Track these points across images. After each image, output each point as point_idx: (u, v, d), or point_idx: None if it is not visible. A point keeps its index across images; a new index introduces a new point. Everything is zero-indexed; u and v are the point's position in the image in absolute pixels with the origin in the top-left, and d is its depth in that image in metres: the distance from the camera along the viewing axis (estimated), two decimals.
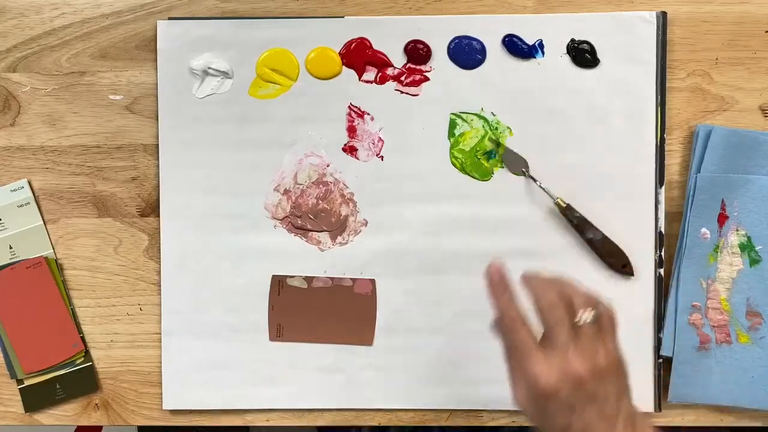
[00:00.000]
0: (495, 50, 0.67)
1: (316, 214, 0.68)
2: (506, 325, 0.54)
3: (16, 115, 0.69)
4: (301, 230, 0.68)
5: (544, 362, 0.52)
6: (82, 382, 0.70)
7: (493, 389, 0.67)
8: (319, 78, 0.68)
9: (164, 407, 0.69)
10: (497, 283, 0.55)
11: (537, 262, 0.67)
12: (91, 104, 0.69)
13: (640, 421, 0.53)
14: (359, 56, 0.67)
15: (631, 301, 0.67)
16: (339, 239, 0.68)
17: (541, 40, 0.67)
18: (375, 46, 0.67)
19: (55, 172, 0.70)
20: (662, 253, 0.67)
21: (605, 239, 0.66)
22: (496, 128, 0.67)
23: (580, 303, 0.53)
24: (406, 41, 0.67)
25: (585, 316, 0.53)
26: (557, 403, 0.52)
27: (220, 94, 0.68)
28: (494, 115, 0.67)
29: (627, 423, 0.52)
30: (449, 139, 0.68)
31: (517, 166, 0.67)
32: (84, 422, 0.70)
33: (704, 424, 0.68)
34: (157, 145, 0.68)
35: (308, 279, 0.68)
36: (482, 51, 0.67)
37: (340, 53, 0.68)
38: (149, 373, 0.70)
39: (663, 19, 0.66)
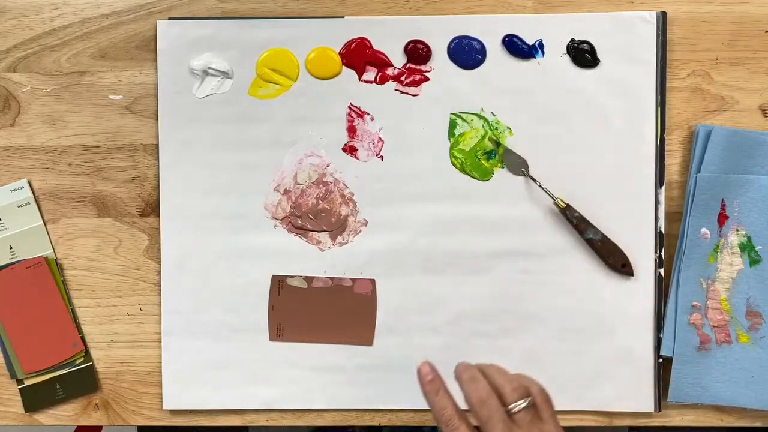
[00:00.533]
0: (495, 50, 0.67)
1: (316, 214, 0.68)
2: (445, 424, 0.55)
3: (16, 115, 0.69)
4: (301, 230, 0.68)
5: None
6: (82, 382, 0.70)
7: None
8: (319, 78, 0.68)
9: (164, 407, 0.69)
10: (430, 383, 0.56)
11: (537, 262, 0.67)
12: (91, 104, 0.69)
13: None
14: (359, 56, 0.67)
15: (631, 301, 0.67)
16: (339, 239, 0.68)
17: (541, 40, 0.67)
18: (375, 46, 0.67)
19: (55, 172, 0.70)
20: (662, 253, 0.67)
21: (605, 239, 0.66)
22: (496, 128, 0.67)
23: (510, 391, 0.53)
24: (406, 41, 0.67)
25: (518, 404, 0.53)
26: None
27: (220, 94, 0.68)
28: (494, 115, 0.67)
29: None
30: (449, 139, 0.68)
31: (517, 166, 0.67)
32: (84, 422, 0.70)
33: (704, 424, 0.68)
34: (157, 145, 0.68)
35: (308, 279, 0.68)
36: (482, 51, 0.67)
37: (340, 53, 0.68)
38: (149, 373, 0.70)
39: (663, 19, 0.66)
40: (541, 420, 0.53)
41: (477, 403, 0.53)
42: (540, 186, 0.66)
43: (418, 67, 0.67)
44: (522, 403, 0.53)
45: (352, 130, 0.68)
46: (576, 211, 0.66)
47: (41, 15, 0.69)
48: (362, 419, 0.69)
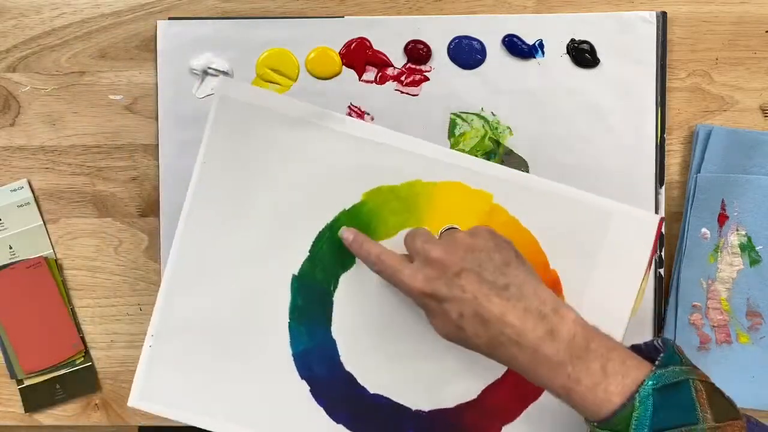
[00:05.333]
0: (495, 50, 0.67)
1: None
2: (375, 264, 0.58)
3: (16, 115, 0.69)
4: None
5: (409, 269, 0.55)
6: (82, 382, 0.70)
7: None
8: (319, 78, 0.68)
9: None
10: (353, 241, 0.60)
11: None
12: (91, 104, 0.69)
13: (540, 287, 0.53)
14: (359, 56, 0.67)
15: None
16: None
17: (541, 40, 0.67)
18: (375, 46, 0.67)
19: (55, 172, 0.70)
20: (662, 253, 0.67)
21: None
22: (496, 128, 0.67)
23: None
24: (406, 41, 0.67)
25: (443, 228, 0.60)
26: (437, 298, 0.54)
27: None
28: (494, 115, 0.67)
29: (522, 285, 0.53)
30: (449, 139, 0.68)
31: (517, 166, 0.67)
32: (84, 422, 0.70)
33: None
34: (157, 145, 0.68)
35: None
36: (482, 51, 0.67)
37: (340, 53, 0.68)
38: None
39: (663, 19, 0.66)
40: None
41: (405, 237, 0.58)
42: None
43: (418, 67, 0.67)
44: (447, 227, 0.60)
45: None
46: None
47: (41, 15, 0.69)
48: None
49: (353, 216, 0.62)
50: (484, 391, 0.62)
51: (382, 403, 0.62)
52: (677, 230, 0.67)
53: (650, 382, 0.48)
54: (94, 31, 0.69)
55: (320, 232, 0.62)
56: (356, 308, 0.62)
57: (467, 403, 0.62)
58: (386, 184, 0.62)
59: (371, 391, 0.62)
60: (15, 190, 0.69)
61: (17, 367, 0.69)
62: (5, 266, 0.69)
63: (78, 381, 0.70)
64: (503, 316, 0.51)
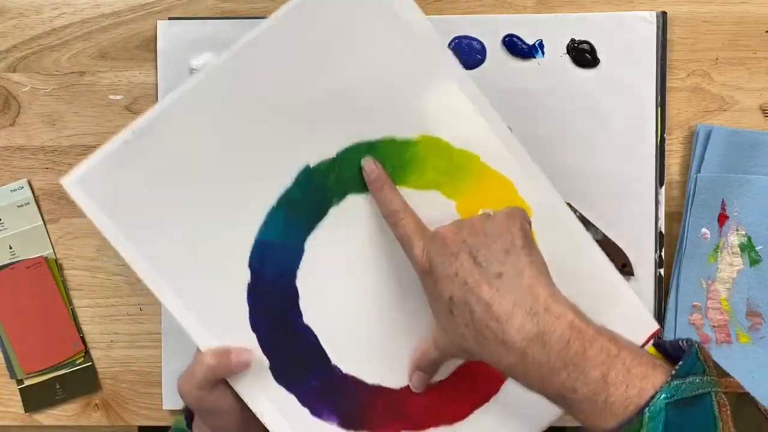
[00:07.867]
0: (495, 50, 0.67)
1: None
2: (390, 218, 0.54)
3: (16, 115, 0.69)
4: None
5: (420, 243, 0.52)
6: (82, 382, 0.70)
7: None
8: None
9: (164, 407, 0.69)
10: (375, 179, 0.55)
11: None
12: (91, 104, 0.69)
13: (538, 282, 0.47)
14: None
15: None
16: None
17: (541, 40, 0.67)
18: None
19: (55, 172, 0.70)
20: (662, 253, 0.67)
21: (605, 239, 0.66)
22: None
23: None
24: None
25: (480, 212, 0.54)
26: (433, 276, 0.50)
27: None
28: None
29: (517, 277, 0.47)
30: None
31: None
32: (84, 422, 0.70)
33: None
34: None
35: None
36: (482, 51, 0.67)
37: None
38: (149, 373, 0.70)
39: (663, 19, 0.66)
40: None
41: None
42: None
43: None
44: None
45: None
46: (577, 211, 0.66)
47: (41, 15, 0.69)
48: None
49: (397, 148, 0.56)
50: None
51: (309, 337, 0.56)
52: (677, 230, 0.67)
53: (662, 396, 0.41)
54: (94, 31, 0.69)
55: (357, 144, 0.56)
56: (342, 233, 0.56)
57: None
58: (446, 139, 0.57)
59: (305, 320, 0.56)
60: (15, 190, 0.69)
61: (17, 367, 0.69)
62: (5, 266, 0.69)
63: (78, 381, 0.70)
64: (489, 307, 0.46)
